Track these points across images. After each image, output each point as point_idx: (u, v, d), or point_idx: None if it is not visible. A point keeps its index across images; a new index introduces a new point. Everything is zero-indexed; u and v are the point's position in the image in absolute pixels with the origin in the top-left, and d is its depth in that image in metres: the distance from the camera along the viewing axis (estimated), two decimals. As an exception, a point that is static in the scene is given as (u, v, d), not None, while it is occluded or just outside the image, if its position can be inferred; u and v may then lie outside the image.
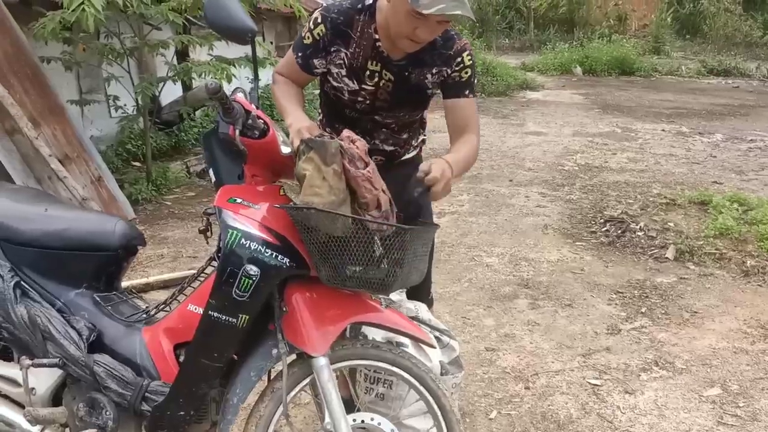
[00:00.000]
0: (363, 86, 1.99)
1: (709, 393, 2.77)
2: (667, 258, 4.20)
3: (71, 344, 1.80)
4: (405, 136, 2.23)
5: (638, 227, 4.63)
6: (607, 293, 3.73)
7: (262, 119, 1.76)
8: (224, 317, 1.69)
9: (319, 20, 1.91)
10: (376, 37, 1.92)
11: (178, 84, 6.47)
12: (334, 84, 2.02)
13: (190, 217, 4.99)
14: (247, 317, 1.71)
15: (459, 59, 1.96)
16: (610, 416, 2.61)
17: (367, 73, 1.97)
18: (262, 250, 1.69)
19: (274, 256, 1.69)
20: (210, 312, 1.70)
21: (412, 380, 1.89)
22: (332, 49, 1.95)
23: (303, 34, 1.95)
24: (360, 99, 2.03)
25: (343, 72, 1.98)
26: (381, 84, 1.98)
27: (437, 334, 2.24)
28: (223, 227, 1.70)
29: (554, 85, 13.57)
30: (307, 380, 1.81)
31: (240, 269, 1.67)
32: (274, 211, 1.75)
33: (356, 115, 2.09)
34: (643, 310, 3.52)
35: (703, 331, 3.30)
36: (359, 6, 1.91)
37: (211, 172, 1.85)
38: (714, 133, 8.61)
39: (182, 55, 6.42)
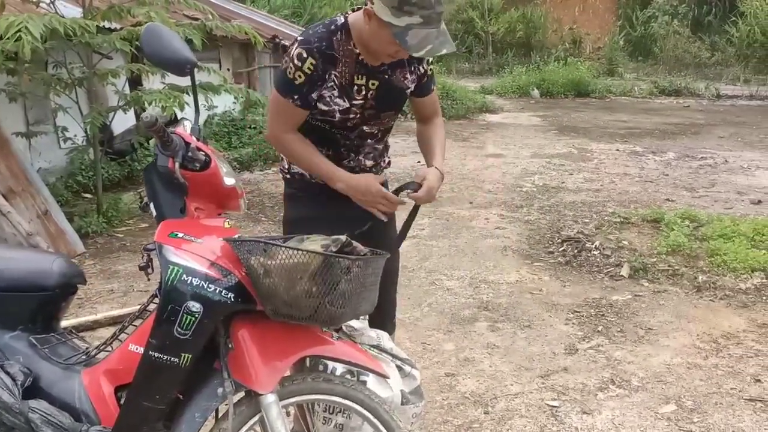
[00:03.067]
0: (353, 102, 2.03)
1: (664, 410, 2.80)
2: (622, 276, 4.27)
3: (4, 391, 1.73)
4: (381, 146, 2.28)
5: (594, 246, 4.70)
6: (565, 313, 3.76)
7: (203, 151, 1.74)
8: (165, 357, 1.66)
9: (305, 54, 1.92)
10: (357, 51, 1.98)
11: (131, 113, 6.39)
12: (324, 108, 2.03)
13: (142, 249, 4.89)
14: (190, 356, 1.67)
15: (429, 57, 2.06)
16: (569, 438, 2.61)
17: (355, 88, 2.02)
18: (205, 286, 1.66)
19: (217, 291, 1.66)
20: (150, 352, 1.66)
21: (365, 413, 1.87)
22: (326, 76, 1.97)
23: (290, 76, 1.93)
24: (351, 116, 2.06)
25: (336, 93, 2.01)
26: (369, 95, 2.05)
27: (398, 363, 2.22)
28: (164, 263, 1.67)
29: (513, 108, 13.80)
30: (256, 418, 1.76)
31: (182, 306, 1.64)
32: (218, 245, 1.72)
33: (345, 133, 2.11)
34: (599, 328, 3.56)
35: (658, 348, 3.34)
36: (333, 27, 1.96)
37: (152, 206, 1.82)
38: (666, 151, 8.84)
39: (135, 83, 6.36)
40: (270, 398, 1.71)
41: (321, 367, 1.95)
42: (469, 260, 4.64)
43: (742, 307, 3.82)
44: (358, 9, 1.98)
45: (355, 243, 1.82)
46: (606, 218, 5.42)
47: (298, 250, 1.61)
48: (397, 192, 2.13)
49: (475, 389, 2.96)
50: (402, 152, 8.61)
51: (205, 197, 1.81)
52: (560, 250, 4.78)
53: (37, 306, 1.90)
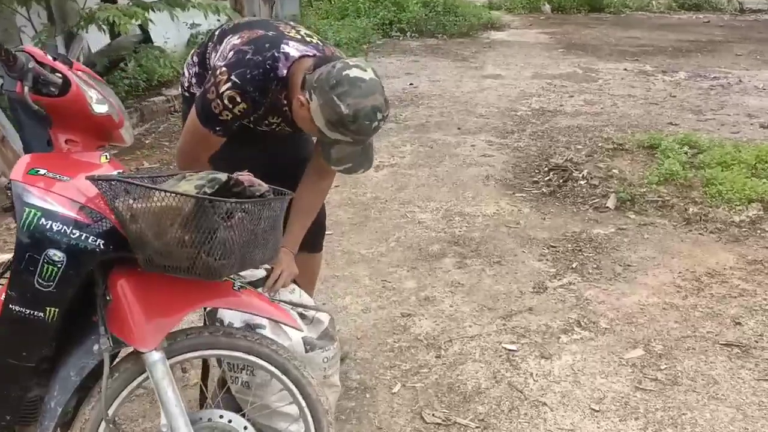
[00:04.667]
0: (257, 128, 2.03)
1: (630, 355, 2.61)
2: (607, 207, 4.01)
3: None
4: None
5: (581, 175, 4.42)
6: (540, 248, 3.54)
7: (60, 73, 1.48)
8: (27, 311, 1.46)
9: (239, 99, 1.80)
10: (285, 103, 1.91)
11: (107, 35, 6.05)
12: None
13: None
14: (57, 310, 1.48)
15: None
16: (521, 385, 2.44)
17: (266, 122, 2.01)
18: (68, 231, 1.44)
19: (84, 237, 1.45)
20: (10, 305, 1.46)
21: (272, 369, 1.70)
22: (251, 117, 1.91)
23: (216, 111, 1.82)
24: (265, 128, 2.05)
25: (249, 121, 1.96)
26: (276, 129, 2.06)
27: (301, 310, 2.04)
28: (19, 205, 1.45)
29: (521, 24, 13.13)
30: (142, 377, 1.58)
31: (41, 255, 1.43)
32: (88, 184, 1.50)
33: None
34: (574, 265, 3.34)
35: (634, 286, 3.13)
36: (272, 75, 1.82)
37: (19, 140, 1.59)
38: (678, 71, 8.34)
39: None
40: (155, 356, 1.52)
41: (218, 322, 1.77)
42: (447, 191, 4.38)
43: (732, 242, 3.57)
44: (305, 57, 1.86)
45: (247, 180, 1.59)
46: (600, 144, 5.10)
47: (163, 191, 1.38)
48: (258, 284, 2.00)
49: (430, 331, 2.78)
50: (395, 74, 8.22)
51: (77, 128, 1.57)
52: (546, 179, 4.51)
53: None
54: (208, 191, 1.40)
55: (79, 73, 1.58)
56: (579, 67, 8.65)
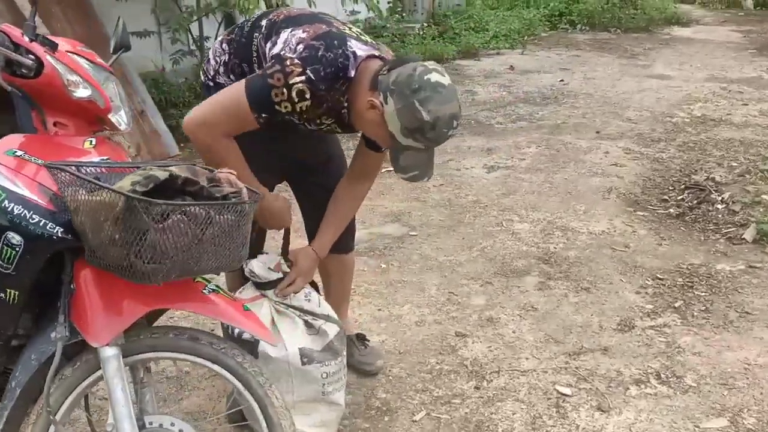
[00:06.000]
0: (305, 125, 1.89)
1: (709, 425, 2.16)
2: (743, 240, 3.40)
3: None
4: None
5: (720, 198, 3.80)
6: (643, 278, 3.08)
7: (32, 54, 1.47)
8: (-12, 291, 1.48)
9: (307, 96, 1.70)
10: (345, 105, 1.81)
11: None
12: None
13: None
14: (17, 293, 1.48)
15: None
16: (562, 438, 2.12)
17: (317, 121, 1.88)
18: (28, 216, 1.43)
19: (42, 224, 1.43)
20: (-23, 284, 1.49)
21: (235, 381, 1.59)
22: (308, 114, 1.80)
23: (275, 99, 1.70)
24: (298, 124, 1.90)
25: (296, 119, 1.82)
26: (324, 130, 1.94)
27: (308, 318, 1.91)
28: None
29: (712, 20, 11.80)
30: (99, 373, 1.55)
31: (1, 237, 1.44)
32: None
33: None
34: (677, 304, 2.86)
35: (745, 340, 2.60)
36: (341, 75, 1.73)
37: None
38: None
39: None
40: (108, 351, 1.47)
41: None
42: (558, 201, 3.99)
43: None
44: (371, 57, 1.76)
45: (225, 179, 1.49)
46: (758, 164, 4.36)
47: (98, 186, 1.31)
48: (269, 286, 1.96)
49: (479, 357, 2.51)
50: (548, 69, 7.74)
51: (64, 111, 1.57)
52: (678, 199, 3.94)
53: None
54: (139, 189, 1.31)
55: (70, 56, 1.56)
56: (766, 72, 7.54)
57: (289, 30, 1.82)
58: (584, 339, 2.63)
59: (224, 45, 2.01)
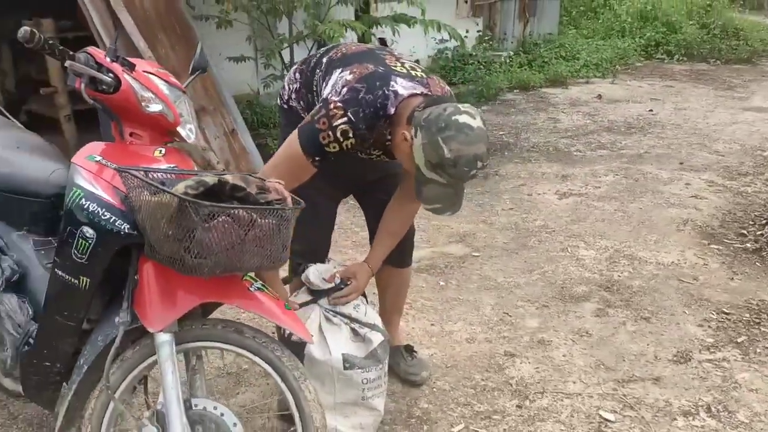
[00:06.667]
0: (359, 155, 2.08)
1: (758, 462, 2.09)
2: (824, 278, 3.23)
3: (-12, 281, 1.96)
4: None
5: (804, 235, 3.62)
6: (708, 312, 2.99)
7: (112, 73, 1.68)
8: (66, 276, 1.69)
9: (351, 135, 1.86)
10: (389, 138, 1.95)
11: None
12: None
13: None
14: (89, 281, 1.68)
15: None
16: (598, 462, 2.11)
17: (367, 152, 2.07)
18: (101, 213, 1.64)
19: (112, 220, 1.63)
20: (56, 269, 1.71)
21: (273, 373, 1.74)
22: (355, 150, 1.97)
23: (323, 141, 1.86)
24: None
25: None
26: (375, 159, 2.11)
27: (355, 326, 2.03)
28: (69, 184, 1.69)
29: (826, 52, 11.12)
30: (154, 357, 1.73)
31: (77, 230, 1.65)
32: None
33: None
34: (740, 339, 2.76)
35: (811, 381, 2.49)
36: (381, 113, 1.87)
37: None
38: None
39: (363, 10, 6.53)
40: (162, 337, 1.65)
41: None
42: (628, 230, 3.93)
43: None
44: (413, 96, 1.88)
45: (273, 188, 1.65)
46: None
47: (157, 188, 1.50)
48: (321, 295, 2.12)
49: (525, 377, 2.54)
50: (639, 98, 7.58)
51: (139, 123, 1.77)
52: (758, 233, 3.78)
53: (37, 210, 2.07)
54: (191, 192, 1.48)
55: (146, 75, 1.77)
56: None
57: (339, 71, 1.97)
58: (636, 367, 2.59)
59: (297, 74, 2.18)
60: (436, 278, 3.34)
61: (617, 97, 7.84)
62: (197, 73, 2.20)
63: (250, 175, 1.74)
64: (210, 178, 1.53)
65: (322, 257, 2.24)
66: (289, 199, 1.69)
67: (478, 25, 9.47)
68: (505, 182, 4.86)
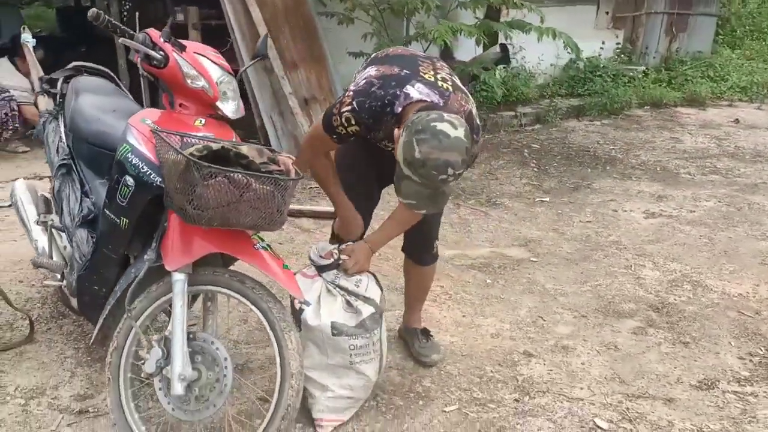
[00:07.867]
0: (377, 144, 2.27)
1: (741, 495, 2.03)
2: None
3: (68, 216, 2.41)
4: None
5: None
6: (757, 347, 2.85)
7: (163, 51, 2.01)
8: (112, 216, 2.07)
9: (353, 122, 2.08)
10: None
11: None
12: None
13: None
14: (128, 221, 2.05)
15: None
16: (574, 463, 2.16)
17: (383, 143, 2.24)
18: (140, 166, 1.99)
19: (149, 173, 1.98)
20: (105, 209, 2.09)
21: (264, 322, 2.01)
22: (364, 136, 2.18)
23: (335, 123, 2.12)
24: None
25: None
26: (390, 150, 2.21)
27: (350, 298, 2.24)
28: (121, 140, 2.05)
29: None
30: (170, 295, 2.04)
31: (122, 178, 2.01)
32: (177, 139, 2.02)
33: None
34: (779, 377, 2.62)
35: (842, 431, 2.32)
36: (388, 110, 2.04)
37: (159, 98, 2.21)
38: None
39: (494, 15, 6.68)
40: (177, 276, 1.97)
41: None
42: (706, 257, 3.76)
43: None
44: (421, 101, 2.02)
45: (281, 161, 1.90)
46: None
47: (173, 148, 1.81)
48: (322, 269, 2.31)
49: (535, 376, 2.60)
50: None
51: (187, 95, 2.10)
52: None
53: None
54: (196, 154, 1.77)
55: (195, 55, 2.09)
56: None
57: (372, 68, 2.18)
58: (653, 386, 2.56)
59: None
60: (485, 276, 3.45)
61: (758, 123, 7.30)
62: (257, 59, 2.51)
63: (267, 148, 2.01)
64: (215, 145, 1.82)
65: (357, 235, 2.46)
66: (292, 172, 1.94)
67: (618, 37, 9.17)
68: (595, 195, 4.79)
